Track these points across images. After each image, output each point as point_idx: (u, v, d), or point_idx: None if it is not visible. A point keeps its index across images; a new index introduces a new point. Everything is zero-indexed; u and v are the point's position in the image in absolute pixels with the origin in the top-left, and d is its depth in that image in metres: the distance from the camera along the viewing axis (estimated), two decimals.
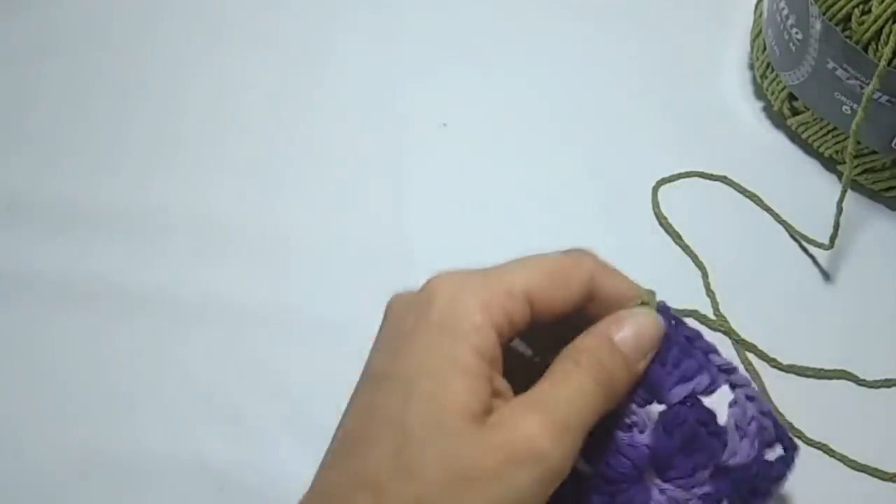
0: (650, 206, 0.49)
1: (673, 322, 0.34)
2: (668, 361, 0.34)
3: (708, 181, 0.50)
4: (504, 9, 0.58)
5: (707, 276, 0.47)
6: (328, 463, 0.31)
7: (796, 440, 0.41)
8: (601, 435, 0.33)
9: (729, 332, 0.43)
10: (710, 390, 0.34)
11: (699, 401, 0.34)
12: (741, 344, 0.41)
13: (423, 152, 0.52)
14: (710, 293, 0.46)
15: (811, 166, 0.51)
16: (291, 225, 0.49)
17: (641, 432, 0.33)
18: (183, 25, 0.57)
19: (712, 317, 0.45)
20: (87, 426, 0.43)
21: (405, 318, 0.31)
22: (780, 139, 0.52)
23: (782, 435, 0.35)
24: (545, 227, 0.49)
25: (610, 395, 0.32)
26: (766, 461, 0.35)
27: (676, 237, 0.48)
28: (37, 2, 0.57)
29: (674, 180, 0.50)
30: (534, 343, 0.36)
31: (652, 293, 0.34)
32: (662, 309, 0.34)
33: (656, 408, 0.34)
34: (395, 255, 0.48)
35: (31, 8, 0.57)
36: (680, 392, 0.33)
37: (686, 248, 0.48)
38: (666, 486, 0.33)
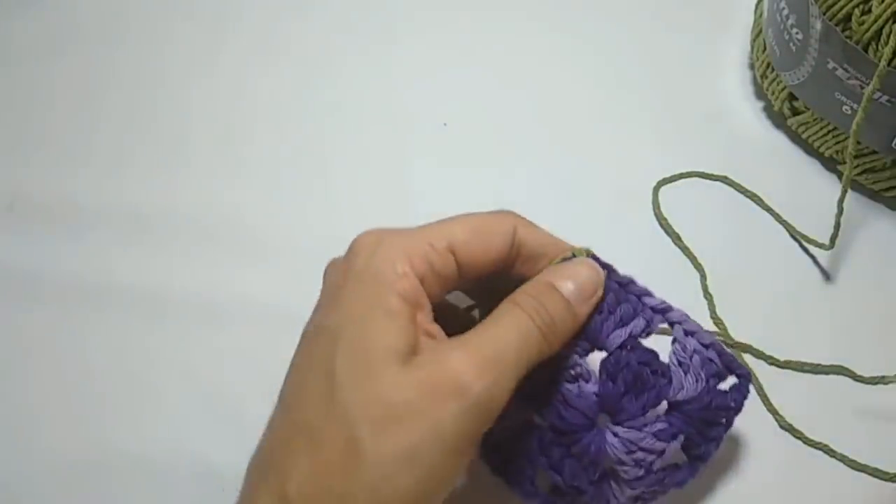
0: (650, 206, 0.49)
1: (605, 270, 0.36)
2: (604, 309, 0.35)
3: (708, 181, 0.50)
4: (504, 9, 0.58)
5: (705, 279, 0.47)
6: (271, 418, 0.33)
7: (798, 440, 0.41)
8: (549, 389, 0.34)
9: (725, 337, 0.43)
10: (647, 332, 0.35)
11: (639, 343, 0.35)
12: (737, 347, 0.41)
13: (424, 152, 0.52)
14: (707, 295, 0.46)
15: (811, 166, 0.51)
16: (292, 225, 0.49)
17: (587, 381, 0.35)
18: (186, 28, 0.57)
19: (709, 318, 0.45)
20: (87, 426, 0.43)
21: (336, 275, 0.34)
22: (780, 139, 0.52)
23: (731, 364, 0.36)
24: (544, 226, 0.49)
25: (550, 337, 0.33)
26: (720, 391, 0.36)
27: (676, 238, 0.48)
28: (40, 2, 0.57)
29: (674, 181, 0.50)
30: (482, 305, 0.37)
31: (584, 249, 0.36)
32: (593, 258, 0.36)
33: (598, 356, 0.35)
34: None
35: (34, 8, 0.57)
36: (618, 337, 0.35)
37: (685, 250, 0.48)
38: (618, 428, 0.34)
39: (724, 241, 0.48)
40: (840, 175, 0.50)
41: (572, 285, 0.34)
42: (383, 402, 0.29)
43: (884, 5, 0.42)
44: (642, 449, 0.34)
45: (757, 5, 0.54)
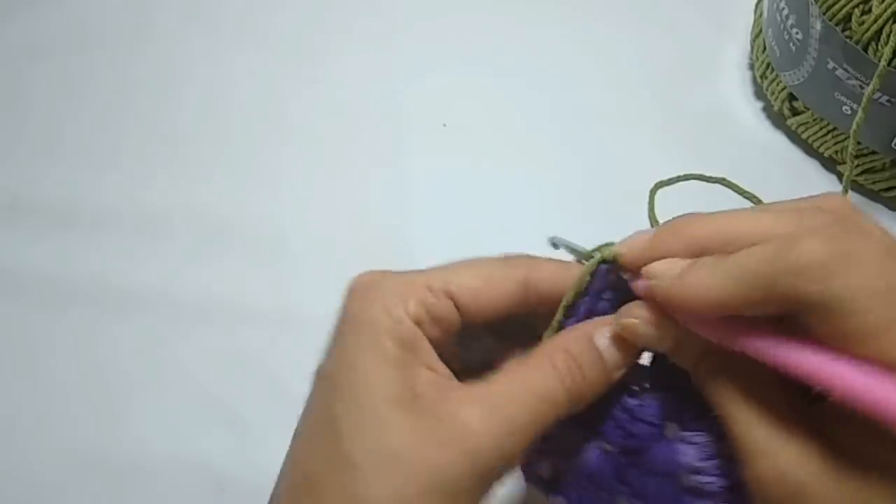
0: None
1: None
2: None
3: (707, 182, 0.50)
4: (504, 9, 0.58)
5: None
6: (282, 468, 0.32)
7: None
8: (610, 408, 0.32)
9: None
10: None
11: None
12: None
13: (424, 152, 0.52)
14: None
15: (811, 166, 0.51)
16: (291, 225, 0.49)
17: (646, 387, 0.32)
18: (184, 26, 0.57)
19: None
20: (86, 426, 0.43)
21: (336, 321, 0.33)
22: (780, 139, 0.52)
23: None
24: (544, 227, 0.48)
25: (576, 403, 0.31)
26: None
27: None
28: (36, 2, 0.57)
29: (672, 183, 0.50)
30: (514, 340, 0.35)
31: (599, 253, 0.33)
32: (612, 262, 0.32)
33: (647, 357, 0.33)
34: (395, 254, 0.48)
35: (30, 8, 0.57)
36: None
37: None
38: (687, 434, 0.32)
39: None
40: (839, 175, 0.50)
41: (615, 347, 0.31)
42: (387, 449, 0.29)
43: (884, 5, 0.42)
44: (719, 455, 0.31)
45: (757, 5, 0.54)
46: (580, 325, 0.32)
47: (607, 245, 0.33)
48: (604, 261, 0.32)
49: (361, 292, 0.32)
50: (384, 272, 0.33)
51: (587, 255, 0.34)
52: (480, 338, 0.35)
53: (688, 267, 0.29)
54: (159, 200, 0.50)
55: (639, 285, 0.31)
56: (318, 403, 0.31)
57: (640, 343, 0.31)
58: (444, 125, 0.53)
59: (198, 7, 0.58)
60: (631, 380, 0.32)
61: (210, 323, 0.46)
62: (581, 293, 0.32)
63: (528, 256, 0.34)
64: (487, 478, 0.29)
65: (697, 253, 0.29)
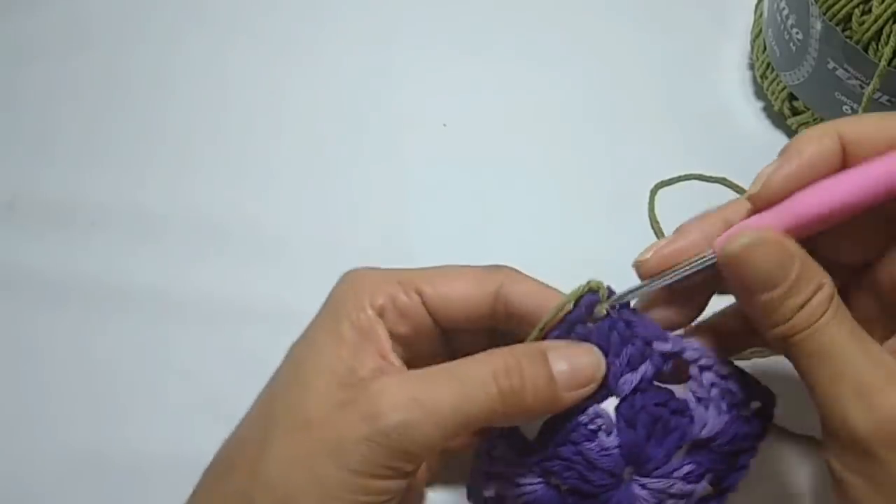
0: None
1: (616, 308, 0.33)
2: (609, 351, 0.32)
3: (708, 182, 0.50)
4: (504, 10, 0.58)
5: None
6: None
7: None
8: (565, 448, 0.32)
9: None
10: (657, 376, 0.33)
11: (652, 384, 0.33)
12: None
13: (423, 152, 0.52)
14: None
15: None
16: (291, 225, 0.49)
17: (608, 434, 0.32)
18: (181, 25, 0.57)
19: None
20: (85, 426, 0.43)
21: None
22: (780, 139, 0.52)
23: (753, 389, 0.34)
24: (544, 228, 0.49)
25: (511, 406, 0.30)
26: (744, 418, 0.33)
27: None
28: (33, 2, 0.57)
29: (672, 183, 0.50)
30: None
31: (597, 283, 0.32)
32: (608, 290, 0.33)
33: (612, 402, 0.33)
34: (395, 254, 0.48)
35: (27, 8, 0.57)
36: (628, 382, 0.32)
37: None
38: (646, 480, 0.32)
39: None
40: None
41: (566, 366, 0.31)
42: (302, 411, 0.30)
43: (884, 5, 0.42)
44: (672, 496, 0.32)
45: (757, 5, 0.54)
46: (539, 343, 0.32)
47: (597, 282, 0.33)
48: (590, 290, 0.32)
49: (344, 284, 0.34)
50: (372, 269, 0.34)
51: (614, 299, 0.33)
52: (475, 344, 0.34)
53: (789, 144, 0.30)
54: (158, 200, 0.50)
55: (742, 223, 0.30)
56: (274, 374, 0.33)
57: (760, 271, 0.29)
58: (444, 125, 0.53)
59: (195, 7, 0.58)
60: (590, 419, 0.32)
61: (210, 323, 0.46)
62: (559, 320, 0.32)
63: (510, 271, 0.34)
64: (392, 458, 0.29)
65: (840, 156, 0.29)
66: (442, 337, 0.34)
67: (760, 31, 0.52)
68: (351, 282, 0.34)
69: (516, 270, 0.34)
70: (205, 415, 0.43)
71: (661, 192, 0.50)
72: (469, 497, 0.35)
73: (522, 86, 0.54)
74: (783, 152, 0.30)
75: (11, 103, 0.54)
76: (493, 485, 0.33)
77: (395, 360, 0.33)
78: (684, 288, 0.33)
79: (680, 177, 0.50)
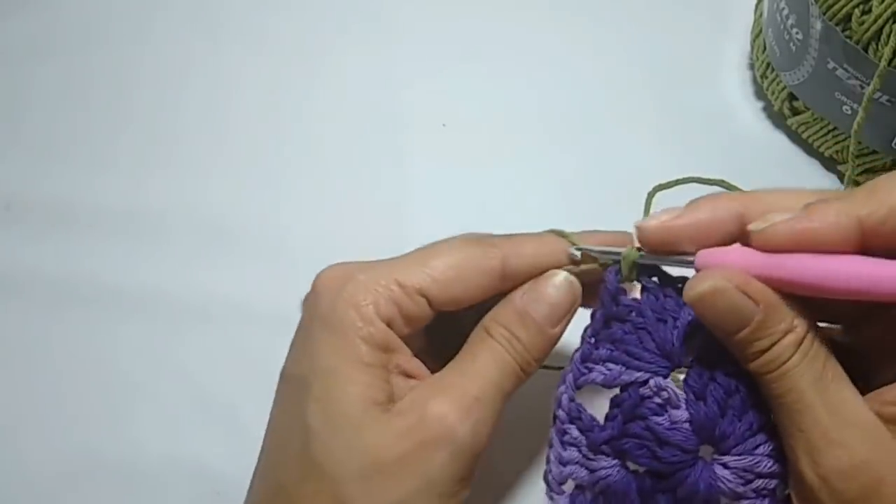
0: (649, 209, 0.49)
1: (654, 279, 0.32)
2: (667, 317, 0.31)
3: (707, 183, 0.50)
4: (504, 10, 0.58)
5: None
6: (252, 478, 0.31)
7: None
8: (634, 426, 0.30)
9: None
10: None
11: (721, 353, 0.29)
12: None
13: (423, 152, 0.52)
14: None
15: (812, 166, 0.51)
16: (291, 225, 0.49)
17: (676, 408, 0.30)
18: (183, 26, 0.57)
19: None
20: (85, 427, 0.43)
21: (304, 316, 0.32)
22: (780, 139, 0.52)
23: None
24: (544, 227, 0.48)
25: (526, 366, 0.31)
26: None
27: None
28: (34, 2, 0.57)
29: (670, 186, 0.50)
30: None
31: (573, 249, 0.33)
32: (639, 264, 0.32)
33: (679, 375, 0.30)
34: (394, 254, 0.47)
35: (28, 8, 0.57)
36: (692, 349, 0.30)
37: None
38: (726, 458, 0.29)
39: None
40: (840, 175, 0.50)
41: (545, 309, 0.32)
42: (368, 456, 0.28)
43: (884, 5, 0.42)
44: (761, 475, 0.29)
45: (757, 5, 0.54)
46: (507, 297, 0.32)
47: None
48: (628, 256, 0.31)
49: (331, 289, 0.31)
50: (352, 265, 0.32)
51: (610, 259, 0.33)
52: (459, 320, 0.34)
53: (810, 204, 0.27)
54: (158, 200, 0.50)
55: (720, 252, 0.29)
56: (289, 408, 0.30)
57: (721, 316, 0.28)
58: (444, 125, 0.53)
59: (197, 7, 0.58)
60: (655, 392, 0.30)
61: (210, 323, 0.46)
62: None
63: (507, 238, 0.33)
64: (471, 463, 0.30)
65: (737, 217, 0.29)
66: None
67: (760, 31, 0.52)
68: (344, 288, 0.31)
69: (512, 236, 0.33)
70: (205, 415, 0.44)
71: (658, 193, 0.50)
72: (547, 487, 0.33)
73: (522, 86, 0.54)
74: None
75: (10, 104, 0.54)
76: (570, 470, 0.32)
77: (416, 366, 0.31)
78: None
79: (678, 180, 0.50)
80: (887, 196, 0.26)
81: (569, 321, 0.33)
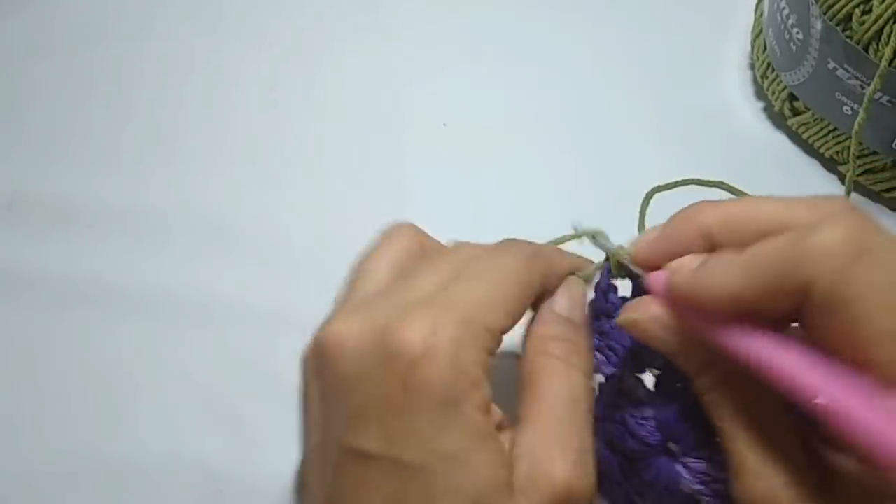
0: (648, 209, 0.49)
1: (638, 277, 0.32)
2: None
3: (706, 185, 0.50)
4: (504, 10, 0.58)
5: None
6: None
7: None
8: (616, 414, 0.32)
9: None
10: None
11: None
12: None
13: (424, 152, 0.52)
14: None
15: (812, 167, 0.51)
16: (291, 225, 0.49)
17: (645, 406, 0.32)
18: (182, 25, 0.57)
19: None
20: (85, 427, 0.43)
21: (378, 380, 0.27)
22: (780, 140, 0.52)
23: None
24: (544, 228, 0.48)
25: (590, 373, 0.32)
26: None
27: None
28: (34, 2, 0.57)
29: (669, 188, 0.50)
30: None
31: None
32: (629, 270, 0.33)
33: (655, 373, 0.32)
34: None
35: (27, 7, 0.57)
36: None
37: None
38: (687, 459, 0.31)
39: None
40: (840, 175, 0.50)
41: (579, 312, 0.33)
42: None
43: (884, 5, 0.42)
44: (716, 480, 0.30)
45: (757, 5, 0.54)
46: (541, 309, 0.33)
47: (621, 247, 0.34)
48: (612, 257, 0.33)
49: (417, 345, 0.26)
50: (436, 314, 0.27)
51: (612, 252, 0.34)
52: None
53: (705, 260, 0.27)
54: (159, 200, 0.50)
55: (654, 278, 0.30)
56: (407, 501, 0.26)
57: (645, 341, 0.30)
58: (444, 125, 0.53)
59: (198, 6, 0.58)
60: (630, 389, 0.32)
61: (210, 323, 0.46)
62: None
63: (550, 251, 0.34)
64: None
65: (709, 239, 0.28)
66: None
67: (760, 31, 0.52)
68: (438, 343, 0.26)
69: (554, 249, 0.35)
70: (205, 415, 0.43)
71: (657, 194, 0.50)
72: None
73: (522, 86, 0.54)
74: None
75: (11, 103, 0.54)
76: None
77: (497, 414, 0.29)
78: None
79: (677, 182, 0.50)
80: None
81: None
